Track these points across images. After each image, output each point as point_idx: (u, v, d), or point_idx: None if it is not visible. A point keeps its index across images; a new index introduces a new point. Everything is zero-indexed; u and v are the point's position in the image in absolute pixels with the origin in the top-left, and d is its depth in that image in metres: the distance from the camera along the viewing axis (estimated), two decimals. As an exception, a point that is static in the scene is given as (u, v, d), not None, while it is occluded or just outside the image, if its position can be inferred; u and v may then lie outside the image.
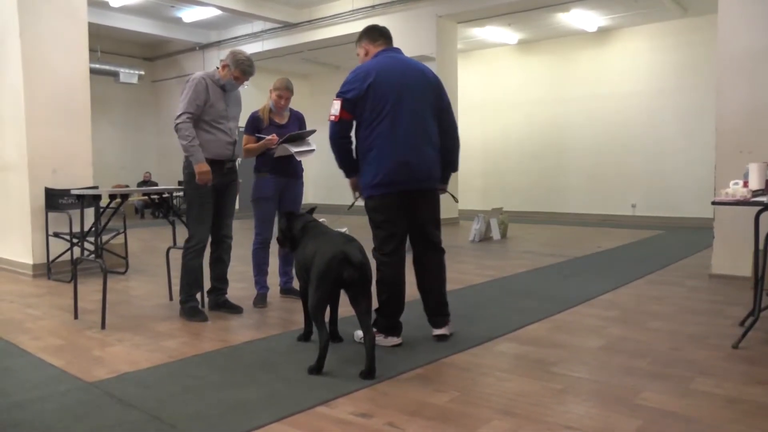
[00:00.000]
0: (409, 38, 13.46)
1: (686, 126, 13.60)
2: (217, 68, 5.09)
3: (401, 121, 3.99)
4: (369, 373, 3.44)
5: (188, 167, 4.89)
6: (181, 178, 5.10)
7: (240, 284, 6.37)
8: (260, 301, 5.51)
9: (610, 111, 14.68)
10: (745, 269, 6.25)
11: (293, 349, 4.08)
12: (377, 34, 4.29)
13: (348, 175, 4.22)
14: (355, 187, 4.30)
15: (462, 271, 7.33)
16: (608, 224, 13.69)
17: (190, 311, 4.98)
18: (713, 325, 4.73)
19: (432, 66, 13.08)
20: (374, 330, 3.97)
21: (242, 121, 5.74)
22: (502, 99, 16.29)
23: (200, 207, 4.93)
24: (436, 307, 4.30)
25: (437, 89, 4.22)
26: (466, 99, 15.23)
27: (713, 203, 4.49)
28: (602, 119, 14.77)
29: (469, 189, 16.11)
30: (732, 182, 4.54)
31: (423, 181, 4.09)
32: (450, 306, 4.40)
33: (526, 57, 15.94)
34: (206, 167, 4.80)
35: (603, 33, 14.75)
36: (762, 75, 6.44)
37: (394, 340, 4.15)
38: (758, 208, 4.31)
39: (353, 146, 4.16)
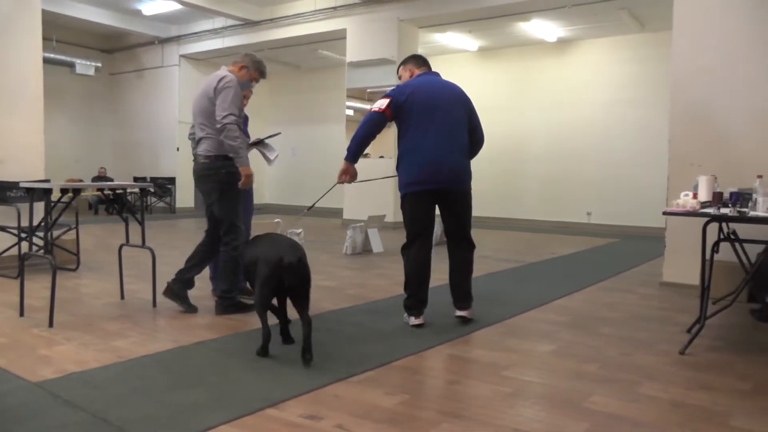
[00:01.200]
0: (371, 41, 13.50)
1: (641, 137, 13.86)
2: (228, 69, 5.08)
3: (433, 131, 4.63)
4: (305, 353, 3.70)
5: (225, 167, 4.90)
6: (138, 175, 5.08)
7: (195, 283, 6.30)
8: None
9: (567, 120, 14.88)
10: (694, 278, 6.39)
11: (244, 350, 4.05)
12: (421, 61, 5.05)
13: (350, 158, 4.82)
14: (344, 172, 4.89)
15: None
16: (563, 231, 13.88)
17: (238, 305, 5.11)
18: (662, 332, 4.83)
19: (392, 69, 13.12)
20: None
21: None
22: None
23: (239, 204, 5.02)
24: (460, 296, 4.92)
25: (467, 104, 4.90)
26: (427, 103, 15.35)
27: (664, 213, 4.58)
28: (560, 128, 14.97)
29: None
30: (683, 193, 4.64)
31: (448, 182, 4.70)
32: (400, 312, 4.84)
33: (487, 64, 16.07)
34: (251, 170, 4.90)
35: (563, 43, 14.95)
36: (712, 92, 6.62)
37: (413, 320, 4.77)
38: (706, 219, 4.41)
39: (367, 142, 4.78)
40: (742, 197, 4.47)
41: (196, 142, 5.09)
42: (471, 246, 4.96)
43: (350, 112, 14.57)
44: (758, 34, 6.41)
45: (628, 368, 3.84)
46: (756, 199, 4.27)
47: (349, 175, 4.94)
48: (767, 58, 6.35)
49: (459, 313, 4.94)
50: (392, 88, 4.85)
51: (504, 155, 15.67)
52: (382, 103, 4.67)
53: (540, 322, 5.10)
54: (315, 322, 4.61)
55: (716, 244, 4.79)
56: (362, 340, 4.37)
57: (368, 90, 14.73)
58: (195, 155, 5.08)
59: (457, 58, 16.42)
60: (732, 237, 4.98)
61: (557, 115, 15.00)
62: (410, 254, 4.83)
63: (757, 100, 6.40)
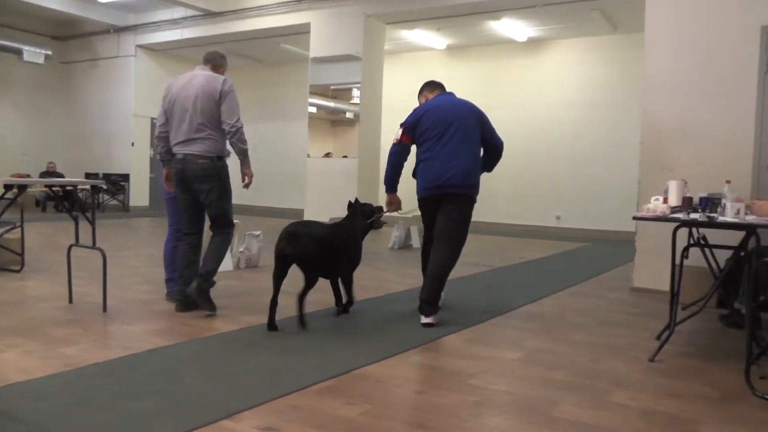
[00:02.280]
0: (336, 36, 13.47)
1: (612, 140, 14.01)
2: (203, 68, 5.37)
3: (446, 142, 5.24)
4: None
5: (225, 167, 5.28)
6: (90, 170, 5.08)
7: (145, 286, 6.22)
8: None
9: (537, 121, 14.99)
10: (665, 283, 6.48)
11: (200, 357, 4.00)
12: (434, 86, 5.74)
13: (388, 190, 5.57)
14: (389, 203, 5.61)
15: (382, 279, 7.36)
16: (532, 235, 13.99)
17: (209, 296, 5.27)
18: (632, 338, 4.89)
19: (357, 66, 13.12)
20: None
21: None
22: (430, 103, 16.41)
23: (231, 200, 5.41)
24: (426, 296, 5.13)
25: (479, 116, 5.45)
26: (392, 102, 15.19)
27: (634, 218, 4.64)
28: (529, 129, 15.06)
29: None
30: (653, 198, 4.70)
31: (448, 186, 5.20)
32: (365, 315, 5.00)
33: (455, 63, 16.13)
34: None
35: (533, 43, 15.06)
36: (684, 96, 6.73)
37: (423, 319, 5.10)
38: (675, 224, 4.48)
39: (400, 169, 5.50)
40: (711, 202, 4.54)
41: (179, 142, 5.18)
42: (451, 247, 5.25)
43: (313, 110, 14.52)
44: (731, 39, 6.53)
45: (597, 375, 3.88)
46: (725, 204, 4.34)
47: (394, 204, 5.63)
48: (739, 64, 6.48)
49: (424, 320, 5.12)
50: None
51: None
52: (398, 134, 5.43)
53: (508, 329, 5.12)
54: (263, 330, 4.72)
55: (686, 249, 4.85)
56: (322, 347, 4.35)
57: (332, 87, 14.70)
58: (185, 155, 5.15)
59: (425, 56, 16.45)
60: (701, 242, 5.05)
61: (527, 117, 15.09)
62: (423, 254, 5.59)
63: (729, 105, 6.52)
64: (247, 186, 5.31)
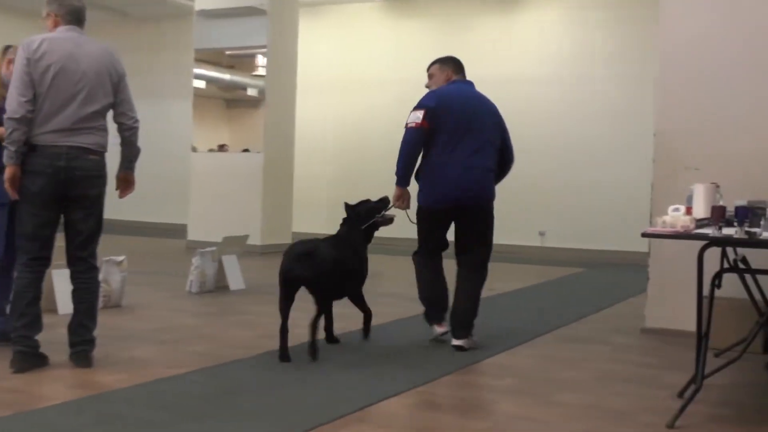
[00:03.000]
0: (231, -20, 13.37)
1: (616, 129, 14.15)
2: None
3: (462, 148, 6.08)
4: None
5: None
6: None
7: None
8: None
9: (514, 101, 15.00)
10: (689, 322, 6.52)
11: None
12: (460, 67, 6.66)
13: (401, 183, 6.27)
14: (398, 198, 6.30)
15: (294, 323, 7.22)
16: (508, 258, 14.01)
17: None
18: (644, 397, 4.90)
19: (262, 23, 13.03)
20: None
21: None
22: (364, 76, 16.34)
23: None
24: (454, 323, 6.18)
25: (500, 124, 6.54)
26: (311, 73, 15.11)
27: (644, 235, 4.65)
28: (503, 112, 15.12)
29: (311, 203, 15.93)
30: (671, 208, 4.72)
31: (466, 199, 6.11)
32: (275, 371, 5.29)
33: (401, 20, 16.15)
34: None
35: (509, -5, 15.20)
36: (714, 69, 6.80)
37: (436, 330, 6.30)
38: (703, 242, 4.49)
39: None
40: (752, 213, 4.58)
41: (60, 129, 5.12)
42: (480, 268, 6.38)
43: (200, 84, 14.38)
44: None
45: (596, 451, 3.86)
46: (771, 215, 4.38)
47: (404, 200, 6.31)
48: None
49: (455, 342, 6.12)
50: (424, 96, 6.34)
51: (424, 150, 15.72)
52: (417, 117, 6.05)
53: (471, 389, 5.13)
54: (142, 392, 4.71)
55: (718, 276, 4.88)
56: (201, 416, 4.29)
57: (227, 52, 14.59)
58: (69, 148, 5.13)
59: (356, 10, 16.45)
60: (740, 266, 5.09)
61: (499, 98, 14.73)
62: (420, 263, 6.44)
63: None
64: (127, 194, 5.71)
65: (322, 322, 5.95)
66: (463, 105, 6.23)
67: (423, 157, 6.22)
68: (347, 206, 6.36)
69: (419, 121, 6.05)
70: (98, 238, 5.51)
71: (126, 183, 5.63)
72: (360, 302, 6.25)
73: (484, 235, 6.37)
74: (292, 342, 5.84)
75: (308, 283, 5.71)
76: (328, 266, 5.67)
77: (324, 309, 5.85)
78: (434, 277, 6.40)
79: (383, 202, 6.34)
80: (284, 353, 5.61)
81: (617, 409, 4.62)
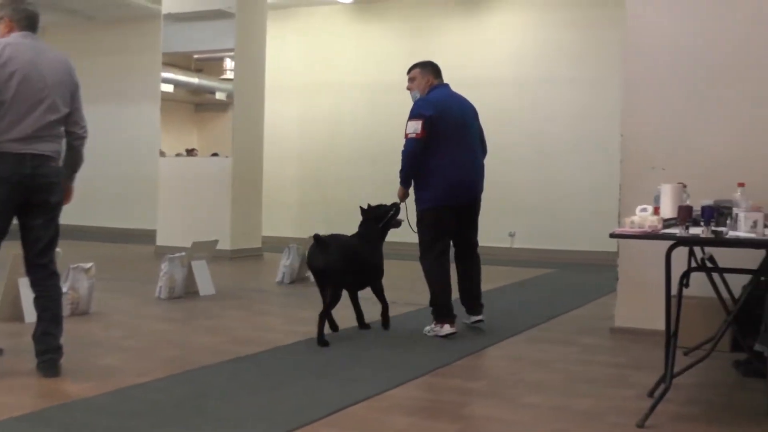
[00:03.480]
0: (199, -17, 13.32)
1: (583, 130, 14.16)
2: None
3: (462, 149, 6.85)
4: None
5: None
6: None
7: None
8: None
9: (481, 104, 14.66)
10: (658, 321, 6.54)
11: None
12: (438, 71, 7.28)
13: (405, 185, 7.00)
14: (403, 195, 7.07)
15: (263, 327, 7.24)
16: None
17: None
18: (613, 398, 4.91)
19: (230, 26, 12.98)
20: (434, 323, 6.81)
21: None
22: (331, 79, 16.30)
23: None
24: (473, 300, 7.08)
25: (478, 119, 7.27)
26: (278, 76, 15.06)
27: (612, 235, 4.66)
28: (471, 114, 15.15)
29: (278, 207, 15.85)
30: (639, 208, 4.74)
31: (472, 197, 6.98)
32: (245, 377, 5.27)
33: (367, 23, 16.13)
34: None
35: (475, -4, 15.22)
36: (681, 69, 6.84)
37: (447, 329, 6.65)
38: (670, 242, 4.51)
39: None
40: (718, 212, 4.61)
41: (22, 138, 5.06)
42: (478, 255, 7.22)
43: (168, 88, 14.30)
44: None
45: (566, 452, 3.86)
46: (737, 214, 4.40)
47: (406, 197, 7.07)
48: (758, 22, 6.59)
49: (473, 318, 7.06)
50: (416, 103, 6.94)
51: (393, 152, 15.58)
52: (416, 127, 6.65)
53: (441, 391, 5.10)
54: (111, 401, 4.67)
55: (686, 275, 4.90)
56: (171, 424, 4.27)
57: (196, 56, 14.53)
58: (33, 156, 5.10)
59: (325, 13, 16.41)
60: (707, 265, 5.12)
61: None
62: (437, 270, 6.84)
63: (743, 80, 6.63)
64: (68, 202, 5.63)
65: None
66: (454, 110, 6.92)
67: (428, 160, 6.75)
68: (365, 209, 7.25)
69: (419, 131, 6.62)
70: (56, 244, 5.51)
71: (68, 192, 5.57)
72: (379, 294, 7.05)
73: (476, 222, 7.14)
74: (271, 344, 5.84)
75: (319, 273, 6.46)
76: (337, 258, 6.38)
77: (332, 299, 6.42)
78: (448, 278, 6.86)
79: (395, 206, 7.12)
80: (320, 338, 6.26)
81: (586, 410, 4.63)
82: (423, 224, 6.88)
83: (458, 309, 6.99)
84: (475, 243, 7.23)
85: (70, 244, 12.58)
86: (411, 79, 7.25)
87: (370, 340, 6.73)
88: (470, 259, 7.16)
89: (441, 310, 6.78)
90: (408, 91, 7.27)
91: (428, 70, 7.22)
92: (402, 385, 5.14)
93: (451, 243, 7.08)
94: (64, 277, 7.67)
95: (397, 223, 7.14)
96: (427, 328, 6.84)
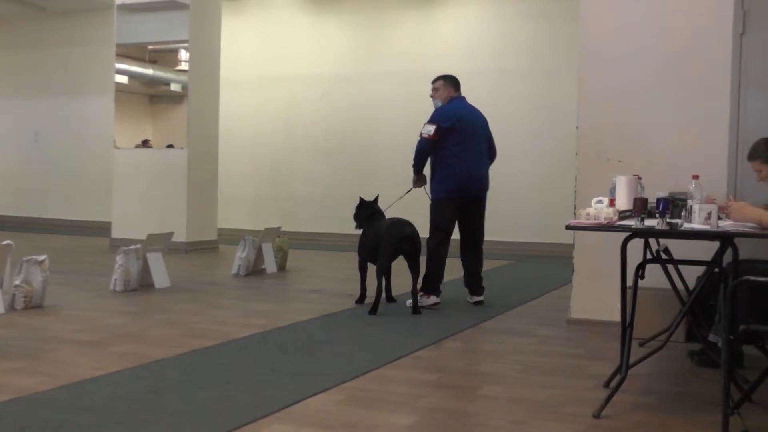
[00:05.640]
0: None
1: (540, 124, 14.22)
2: None
3: (470, 149, 8.02)
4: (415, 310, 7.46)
5: None
6: None
7: None
8: None
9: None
10: (614, 312, 6.58)
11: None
12: (458, 85, 8.50)
13: (418, 172, 8.26)
14: (417, 181, 8.36)
15: (219, 320, 7.19)
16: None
17: None
18: (570, 388, 4.93)
19: (184, 17, 12.88)
20: (420, 292, 7.78)
21: None
22: (286, 71, 16.22)
23: None
24: (475, 284, 8.23)
25: (487, 125, 8.47)
26: (233, 68, 14.96)
27: (568, 228, 4.67)
28: (425, 107, 15.04)
29: (233, 200, 15.75)
30: (595, 200, 4.75)
31: (477, 191, 8.20)
32: (200, 371, 5.29)
33: (323, 15, 16.07)
34: None
35: (430, -12, 15.21)
36: (634, 62, 6.88)
37: (433, 299, 7.91)
38: (626, 233, 4.52)
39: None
40: (673, 204, 4.63)
41: None
42: (480, 246, 8.40)
43: (123, 79, 14.15)
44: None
45: (523, 444, 3.85)
46: (691, 206, 4.42)
47: (422, 180, 8.36)
48: (707, 22, 6.63)
49: (475, 298, 8.15)
50: (438, 111, 8.22)
51: (348, 144, 15.60)
52: (430, 130, 7.91)
53: (396, 383, 5.10)
54: (65, 395, 4.66)
55: (641, 267, 4.92)
56: (126, 418, 4.24)
57: (150, 47, 14.39)
58: None
59: (279, 4, 16.33)
60: (662, 256, 5.14)
61: (422, 91, 15.04)
62: (439, 250, 8.02)
63: (695, 74, 6.68)
64: None
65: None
66: (466, 119, 8.10)
67: (436, 159, 8.02)
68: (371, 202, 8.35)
69: (431, 134, 7.87)
70: None
71: None
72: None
73: (483, 221, 8.41)
74: (226, 338, 5.81)
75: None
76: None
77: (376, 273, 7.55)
78: (444, 259, 8.06)
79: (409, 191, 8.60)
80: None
81: (543, 401, 4.63)
82: (435, 211, 8.09)
83: (462, 290, 8.27)
84: (481, 239, 8.38)
85: (22, 236, 12.46)
86: (435, 89, 8.44)
87: (325, 332, 6.72)
88: (474, 253, 8.25)
89: (432, 284, 7.92)
90: (431, 98, 8.51)
91: (450, 83, 8.41)
92: (356, 378, 5.12)
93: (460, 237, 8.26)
94: (17, 270, 7.58)
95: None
96: (410, 301, 7.64)
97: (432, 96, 8.54)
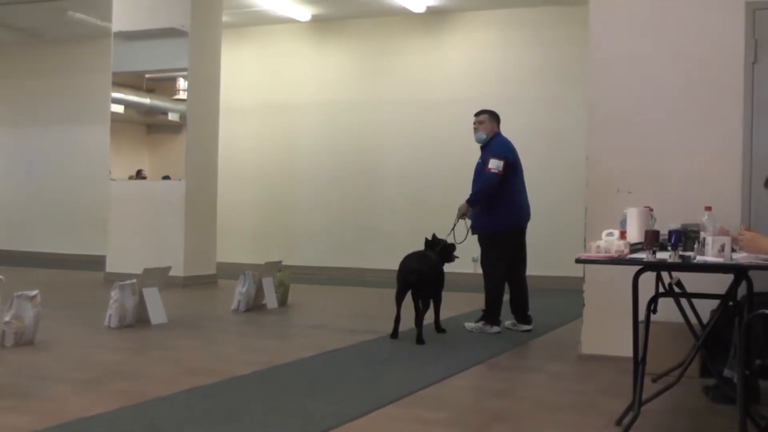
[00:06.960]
0: (150, 1, 13.24)
1: (548, 151, 14.17)
2: None
3: (522, 182, 8.98)
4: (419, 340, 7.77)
5: None
6: None
7: None
8: None
9: (442, 125, 15.03)
10: (626, 347, 6.56)
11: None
12: (500, 120, 9.09)
13: (473, 204, 8.69)
14: (467, 211, 8.75)
15: (219, 357, 7.18)
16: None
17: None
18: (581, 426, 4.94)
19: (183, 45, 12.94)
20: (482, 322, 8.63)
21: None
22: (288, 99, 16.22)
23: None
24: (522, 315, 8.89)
25: None
26: (233, 96, 14.96)
27: (578, 261, 4.67)
28: (430, 136, 15.06)
29: (233, 232, 15.74)
30: (605, 232, 4.77)
31: (527, 221, 9.07)
32: (198, 410, 5.27)
33: (325, 42, 16.12)
34: None
35: (435, 16, 15.21)
36: (644, 91, 6.93)
37: (495, 329, 8.51)
38: (637, 267, 4.53)
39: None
40: (686, 236, 4.63)
41: None
42: (526, 282, 9.14)
43: (119, 108, 14.19)
44: (707, 19, 6.74)
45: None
46: (704, 238, 4.43)
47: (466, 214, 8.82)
48: (718, 50, 6.68)
49: (524, 327, 8.77)
50: (498, 146, 8.77)
51: (349, 176, 15.63)
52: (498, 165, 8.41)
53: (402, 422, 5.09)
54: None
55: (653, 301, 4.93)
56: None
57: (147, 76, 14.43)
58: None
59: (281, 31, 16.36)
60: (675, 290, 5.14)
61: (426, 119, 15.12)
62: (501, 283, 8.75)
63: (707, 103, 6.71)
64: None
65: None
66: (515, 154, 8.85)
67: (497, 192, 8.48)
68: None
69: (500, 169, 8.39)
70: None
71: None
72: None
73: (525, 253, 9.23)
74: (226, 375, 5.80)
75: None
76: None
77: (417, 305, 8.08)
78: (503, 291, 8.73)
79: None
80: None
81: (554, 440, 4.63)
82: (496, 244, 8.68)
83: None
84: (524, 273, 9.12)
85: (13, 270, 12.45)
86: (480, 122, 8.90)
87: (327, 370, 6.70)
88: (518, 286, 8.96)
89: (494, 317, 8.56)
90: (474, 131, 8.96)
91: (494, 118, 9.00)
92: (362, 417, 5.11)
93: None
94: (8, 306, 7.57)
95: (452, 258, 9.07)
96: (472, 325, 8.64)
97: (476, 129, 8.96)
